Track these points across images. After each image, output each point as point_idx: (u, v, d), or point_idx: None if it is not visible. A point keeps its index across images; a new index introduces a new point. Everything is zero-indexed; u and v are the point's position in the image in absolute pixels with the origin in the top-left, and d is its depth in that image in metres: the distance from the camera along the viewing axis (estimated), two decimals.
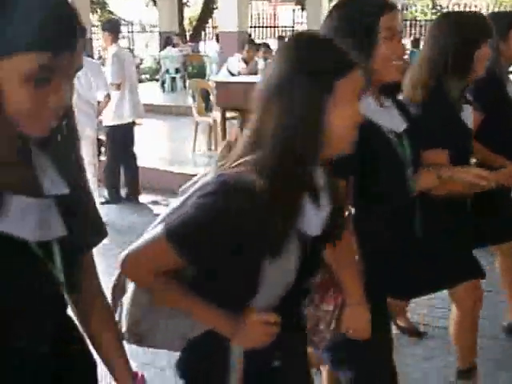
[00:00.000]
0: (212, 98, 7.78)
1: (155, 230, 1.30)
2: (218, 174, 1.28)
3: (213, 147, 7.59)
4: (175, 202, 1.39)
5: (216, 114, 7.34)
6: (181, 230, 1.26)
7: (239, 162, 1.27)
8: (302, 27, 11.87)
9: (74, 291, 1.08)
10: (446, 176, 1.93)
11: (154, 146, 7.94)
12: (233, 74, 8.59)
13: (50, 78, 0.90)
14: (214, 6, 19.47)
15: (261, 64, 9.22)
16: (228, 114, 7.18)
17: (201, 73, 13.63)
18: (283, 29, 20.80)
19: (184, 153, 7.68)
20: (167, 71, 14.75)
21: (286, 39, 1.37)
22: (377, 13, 1.66)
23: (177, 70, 14.78)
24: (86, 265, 1.18)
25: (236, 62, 9.06)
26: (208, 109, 8.11)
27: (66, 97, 0.93)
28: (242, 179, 1.22)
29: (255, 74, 8.26)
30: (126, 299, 1.43)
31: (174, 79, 14.80)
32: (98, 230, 1.17)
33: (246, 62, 9.14)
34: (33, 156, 1.04)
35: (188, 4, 24.00)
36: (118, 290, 1.46)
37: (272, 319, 1.35)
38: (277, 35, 17.13)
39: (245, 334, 1.36)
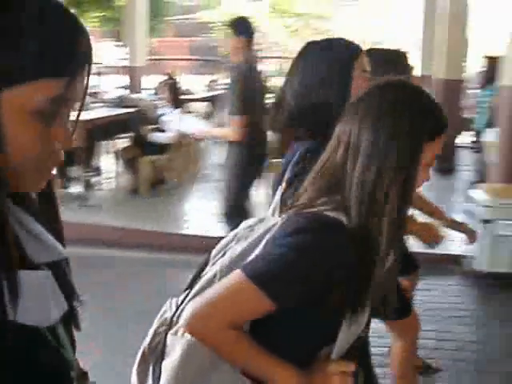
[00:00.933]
0: None
1: (223, 281, 1.25)
2: (303, 213, 1.25)
3: None
4: (234, 249, 1.35)
5: None
6: (271, 272, 1.20)
7: (320, 201, 1.25)
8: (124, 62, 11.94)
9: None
10: None
11: None
12: None
13: (57, 111, 0.74)
14: None
15: None
16: None
17: None
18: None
19: None
20: None
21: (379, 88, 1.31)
22: (351, 56, 1.75)
23: None
24: None
25: None
26: None
27: (70, 136, 0.76)
28: (332, 218, 1.21)
29: None
30: (171, 364, 1.33)
31: None
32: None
33: None
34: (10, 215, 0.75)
35: None
36: (152, 353, 1.39)
37: (351, 368, 1.28)
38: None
39: None
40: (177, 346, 1.33)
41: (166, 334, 1.37)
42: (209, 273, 1.37)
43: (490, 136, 5.79)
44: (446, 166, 7.83)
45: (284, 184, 1.65)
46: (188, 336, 1.31)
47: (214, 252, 1.46)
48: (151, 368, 1.39)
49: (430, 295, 4.46)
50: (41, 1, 0.72)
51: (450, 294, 4.66)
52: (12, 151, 0.70)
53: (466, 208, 4.95)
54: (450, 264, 5.04)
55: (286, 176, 1.67)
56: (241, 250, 1.34)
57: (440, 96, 7.61)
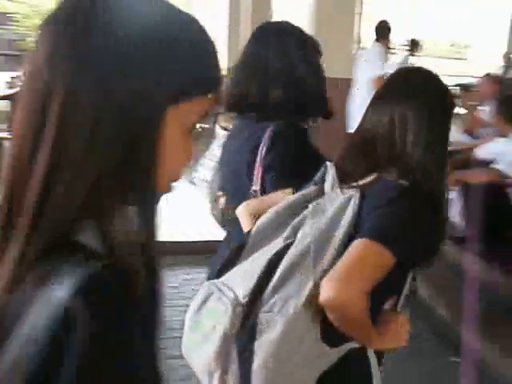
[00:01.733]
0: None
1: (350, 251, 1.32)
2: (387, 182, 1.42)
3: None
4: (316, 223, 1.42)
5: None
6: (392, 232, 1.34)
7: (386, 173, 1.44)
8: None
9: None
10: None
11: None
12: None
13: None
14: None
15: None
16: None
17: None
18: None
19: None
20: None
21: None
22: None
23: None
24: None
25: None
26: None
27: None
28: (408, 185, 1.41)
29: None
30: (270, 340, 1.35)
31: None
32: None
33: None
34: None
35: None
36: (222, 356, 1.39)
37: (407, 319, 1.47)
38: None
39: (392, 335, 1.43)
40: (274, 322, 1.37)
41: (249, 315, 1.38)
42: (292, 249, 1.41)
43: None
44: None
45: (260, 168, 1.76)
46: (289, 310, 1.36)
47: (257, 234, 1.55)
48: (236, 351, 1.38)
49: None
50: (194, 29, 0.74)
51: None
52: (167, 163, 0.72)
53: None
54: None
55: (260, 160, 1.76)
56: (326, 221, 1.41)
57: None
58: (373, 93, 1.62)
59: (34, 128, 0.67)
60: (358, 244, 1.33)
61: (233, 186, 1.92)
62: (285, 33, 1.84)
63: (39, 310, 0.62)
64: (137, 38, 0.67)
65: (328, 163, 1.59)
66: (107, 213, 0.68)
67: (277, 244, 1.48)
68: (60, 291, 0.61)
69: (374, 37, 6.04)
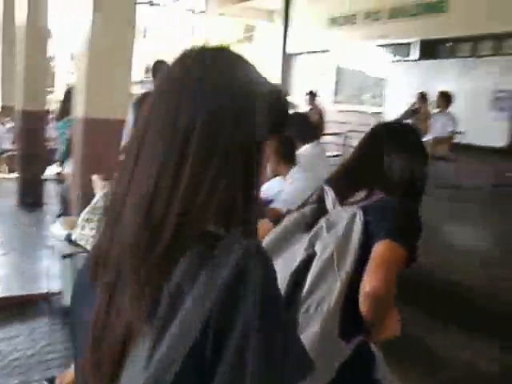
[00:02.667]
0: None
1: (377, 252, 1.68)
2: (383, 199, 1.83)
3: None
4: (333, 235, 1.75)
5: None
6: (400, 233, 1.71)
7: (377, 191, 1.86)
8: None
9: None
10: None
11: None
12: None
13: None
14: None
15: None
16: None
17: None
18: None
19: None
20: None
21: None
22: None
23: None
24: None
25: None
26: None
27: None
28: (399, 198, 1.85)
29: None
30: (309, 338, 1.59)
31: None
32: None
33: None
34: None
35: None
36: None
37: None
38: None
39: (391, 324, 1.76)
40: (312, 321, 1.62)
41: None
42: (317, 258, 1.71)
43: (69, 168, 5.64)
44: (32, 200, 7.80)
45: None
46: (323, 310, 1.64)
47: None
48: None
49: (15, 344, 3.96)
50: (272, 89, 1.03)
51: (37, 338, 4.10)
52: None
53: (50, 243, 4.73)
54: (39, 304, 4.58)
55: None
56: (341, 233, 1.73)
57: (22, 127, 7.89)
58: None
59: (174, 163, 0.86)
60: (380, 245, 1.69)
61: None
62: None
63: (210, 274, 0.79)
64: (245, 97, 0.92)
65: (323, 186, 1.94)
66: (233, 219, 0.88)
67: (295, 255, 1.78)
68: (233, 254, 0.81)
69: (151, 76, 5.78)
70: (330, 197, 1.88)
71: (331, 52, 13.03)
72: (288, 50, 14.33)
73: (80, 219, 3.74)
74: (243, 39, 17.64)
